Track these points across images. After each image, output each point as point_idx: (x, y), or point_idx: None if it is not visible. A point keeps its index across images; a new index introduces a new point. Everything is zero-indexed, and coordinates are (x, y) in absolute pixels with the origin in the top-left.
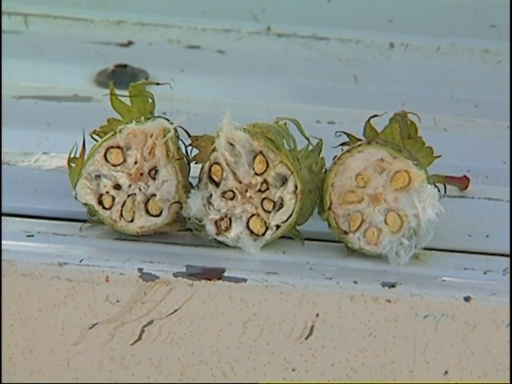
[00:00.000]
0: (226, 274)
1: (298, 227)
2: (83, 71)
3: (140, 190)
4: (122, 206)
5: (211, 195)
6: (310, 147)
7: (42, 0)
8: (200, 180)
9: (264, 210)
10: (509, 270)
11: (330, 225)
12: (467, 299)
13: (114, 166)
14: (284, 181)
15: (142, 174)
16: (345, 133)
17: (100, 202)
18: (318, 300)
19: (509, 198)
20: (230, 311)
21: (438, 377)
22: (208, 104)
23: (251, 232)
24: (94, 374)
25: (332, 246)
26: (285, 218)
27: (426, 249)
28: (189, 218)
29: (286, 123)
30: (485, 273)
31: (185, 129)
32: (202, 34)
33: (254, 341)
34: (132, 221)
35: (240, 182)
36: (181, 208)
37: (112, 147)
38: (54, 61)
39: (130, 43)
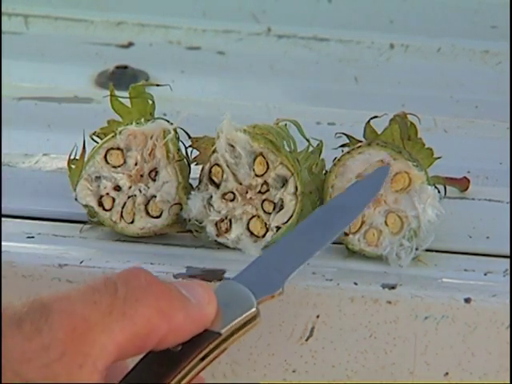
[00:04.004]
0: (226, 276)
1: None
2: (83, 72)
3: (140, 191)
4: (123, 208)
5: (211, 196)
6: (311, 148)
7: (42, 1)
8: (200, 181)
9: (264, 211)
10: (509, 272)
11: None
12: (467, 300)
13: (114, 167)
14: (284, 182)
15: (142, 176)
16: (345, 134)
17: (100, 204)
18: (319, 301)
19: (509, 199)
20: None
21: (439, 378)
22: (208, 105)
23: (251, 233)
24: None
25: (332, 248)
26: (285, 220)
27: (426, 250)
28: (189, 220)
29: (286, 124)
30: (485, 274)
31: (185, 130)
32: (202, 35)
33: (254, 342)
34: (132, 222)
35: (240, 184)
36: (181, 209)
37: (112, 149)
38: (55, 62)
39: (130, 44)
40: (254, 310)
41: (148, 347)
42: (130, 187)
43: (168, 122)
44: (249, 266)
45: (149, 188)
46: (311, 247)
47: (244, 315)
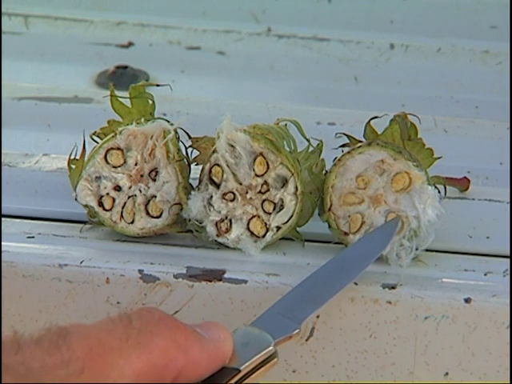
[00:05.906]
0: (226, 276)
1: (298, 228)
2: (83, 72)
3: (140, 191)
4: (123, 208)
5: (211, 197)
6: (311, 148)
7: (42, 1)
8: (200, 181)
9: (264, 211)
10: (509, 272)
11: (330, 226)
12: (467, 300)
13: (114, 167)
14: (284, 182)
15: (142, 176)
16: (345, 134)
17: (100, 204)
18: None
19: (509, 200)
20: (231, 313)
21: (439, 378)
22: (208, 105)
23: (251, 233)
24: None
25: (332, 248)
26: (285, 220)
27: (426, 250)
28: (189, 220)
29: (286, 124)
30: (485, 274)
31: (185, 130)
32: (202, 35)
33: None
34: (132, 222)
35: (240, 184)
36: (181, 209)
37: (112, 149)
38: (55, 62)
39: (130, 44)
40: (271, 348)
41: (166, 380)
42: (130, 187)
43: (168, 122)
44: (264, 312)
45: (149, 188)
46: (325, 294)
47: (262, 353)
